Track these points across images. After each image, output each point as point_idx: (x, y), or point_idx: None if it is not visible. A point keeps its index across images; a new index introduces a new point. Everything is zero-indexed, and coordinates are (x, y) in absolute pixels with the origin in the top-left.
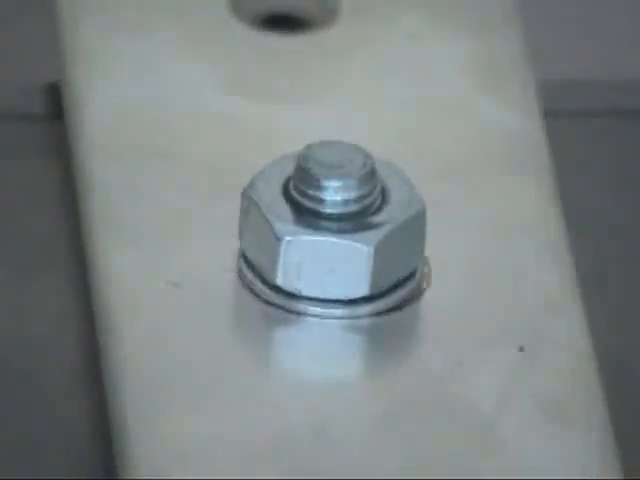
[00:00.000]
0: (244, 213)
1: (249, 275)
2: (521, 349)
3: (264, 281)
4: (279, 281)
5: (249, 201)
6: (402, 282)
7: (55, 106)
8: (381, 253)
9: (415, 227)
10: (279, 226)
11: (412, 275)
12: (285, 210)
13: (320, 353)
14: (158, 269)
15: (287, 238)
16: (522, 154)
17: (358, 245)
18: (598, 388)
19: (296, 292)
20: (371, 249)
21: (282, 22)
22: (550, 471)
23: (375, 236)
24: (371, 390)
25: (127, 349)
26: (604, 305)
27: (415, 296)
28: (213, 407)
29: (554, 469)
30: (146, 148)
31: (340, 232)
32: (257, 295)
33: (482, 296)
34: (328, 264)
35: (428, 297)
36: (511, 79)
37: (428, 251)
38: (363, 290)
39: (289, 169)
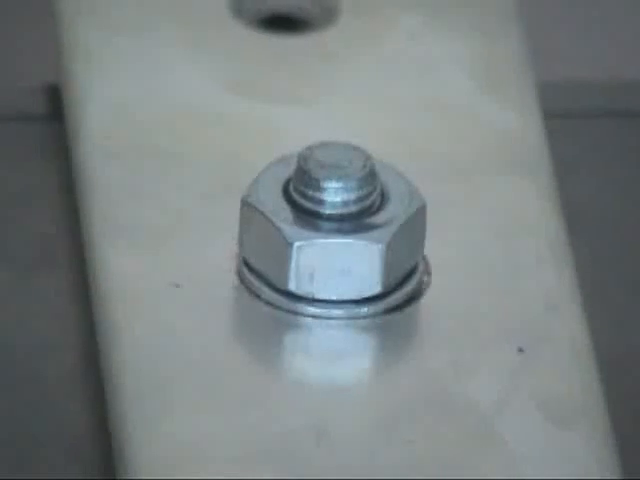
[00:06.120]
0: (246, 219)
1: (249, 276)
2: (521, 349)
3: (265, 282)
4: (291, 286)
5: (250, 207)
6: (402, 282)
7: (55, 106)
8: (391, 250)
9: (418, 222)
10: (289, 231)
11: (411, 275)
12: (289, 214)
13: (320, 353)
14: (158, 269)
15: (298, 243)
16: (522, 154)
17: (370, 244)
18: (598, 388)
19: (309, 296)
20: (383, 247)
21: (282, 22)
22: (550, 471)
23: (384, 234)
24: (371, 391)
25: (127, 349)
26: (604, 305)
27: (415, 296)
28: (213, 407)
29: (554, 469)
30: (146, 148)
31: (347, 233)
32: (257, 295)
33: (482, 296)
34: (340, 265)
35: (428, 297)
36: (511, 79)
37: (428, 251)
38: (376, 288)
39: (287, 171)
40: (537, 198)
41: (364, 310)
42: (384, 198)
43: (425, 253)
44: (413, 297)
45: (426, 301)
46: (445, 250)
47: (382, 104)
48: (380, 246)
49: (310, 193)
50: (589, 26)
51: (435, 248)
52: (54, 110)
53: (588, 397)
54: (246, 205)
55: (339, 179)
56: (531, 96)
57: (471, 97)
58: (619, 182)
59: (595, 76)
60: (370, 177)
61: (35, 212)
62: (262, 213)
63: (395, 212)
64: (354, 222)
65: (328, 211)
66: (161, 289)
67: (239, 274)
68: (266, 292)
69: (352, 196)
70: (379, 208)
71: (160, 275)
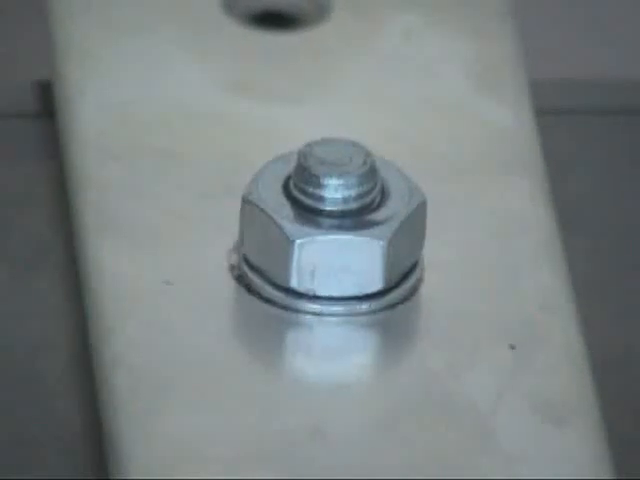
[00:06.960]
0: (246, 217)
1: (249, 274)
2: (514, 347)
3: (265, 280)
4: (293, 283)
5: (251, 205)
6: (403, 279)
7: (46, 104)
8: (392, 246)
9: (418, 219)
10: (290, 229)
11: (412, 272)
12: (291, 211)
13: (320, 351)
14: (155, 268)
15: (299, 240)
16: (518, 154)
17: (371, 240)
18: (591, 387)
19: (310, 293)
20: (384, 243)
21: (273, 19)
22: (544, 470)
23: (385, 230)
24: (370, 390)
25: (122, 349)
26: (604, 305)
27: (412, 294)
28: (212, 407)
29: (548, 468)
30: (137, 146)
31: (348, 229)
32: (258, 293)
33: (480, 296)
34: (342, 262)
35: (424, 296)
36: (507, 79)
37: (425, 250)
38: (377, 285)
39: (287, 169)
40: (531, 198)
41: (365, 307)
42: (384, 194)
43: (423, 252)
44: (414, 293)
45: (426, 299)
46: (443, 249)
47: (379, 103)
48: (381, 243)
49: (310, 190)
50: (589, 26)
51: (432, 247)
52: (46, 107)
53: (582, 396)
54: (247, 203)
55: (339, 176)
56: (525, 96)
57: (468, 96)
58: (619, 181)
59: (592, 74)
60: (370, 174)
61: (31, 211)
62: (263, 210)
63: (396, 209)
64: (355, 219)
65: (329, 208)
66: (160, 289)
67: (239, 272)
68: (267, 289)
69: (352, 193)
70: (379, 205)
71: (159, 275)
